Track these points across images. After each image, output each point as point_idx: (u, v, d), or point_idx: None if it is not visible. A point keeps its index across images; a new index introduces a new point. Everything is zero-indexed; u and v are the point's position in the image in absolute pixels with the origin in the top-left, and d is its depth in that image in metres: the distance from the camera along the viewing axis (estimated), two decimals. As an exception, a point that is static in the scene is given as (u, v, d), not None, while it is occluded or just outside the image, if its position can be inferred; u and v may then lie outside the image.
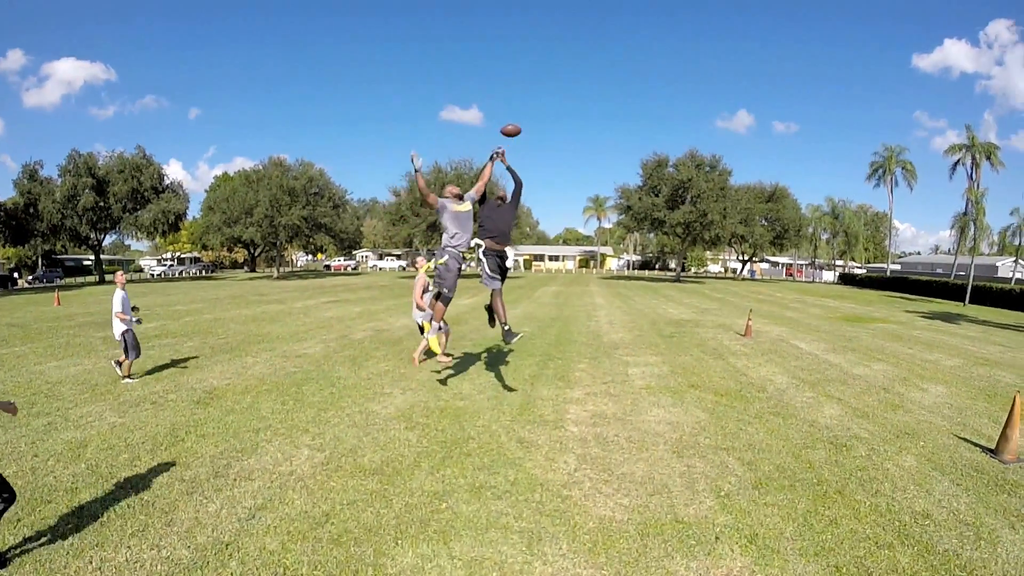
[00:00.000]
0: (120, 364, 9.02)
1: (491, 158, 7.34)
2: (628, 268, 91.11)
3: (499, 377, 9.09)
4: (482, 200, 7.69)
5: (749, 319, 15.66)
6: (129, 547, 4.02)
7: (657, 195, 52.89)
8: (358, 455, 5.77)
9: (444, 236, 7.36)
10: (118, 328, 8.82)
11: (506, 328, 7.45)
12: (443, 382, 8.87)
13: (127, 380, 8.85)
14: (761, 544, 4.20)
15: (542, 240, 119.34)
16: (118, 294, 8.89)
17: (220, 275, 61.60)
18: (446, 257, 7.20)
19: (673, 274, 63.98)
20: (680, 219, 50.50)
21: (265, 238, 51.57)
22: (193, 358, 10.82)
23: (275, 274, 54.66)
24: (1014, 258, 49.83)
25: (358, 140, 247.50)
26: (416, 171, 6.79)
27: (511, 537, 4.24)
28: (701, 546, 4.14)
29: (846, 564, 4.00)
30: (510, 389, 8.25)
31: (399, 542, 4.15)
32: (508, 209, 7.60)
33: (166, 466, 5.45)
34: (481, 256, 7.32)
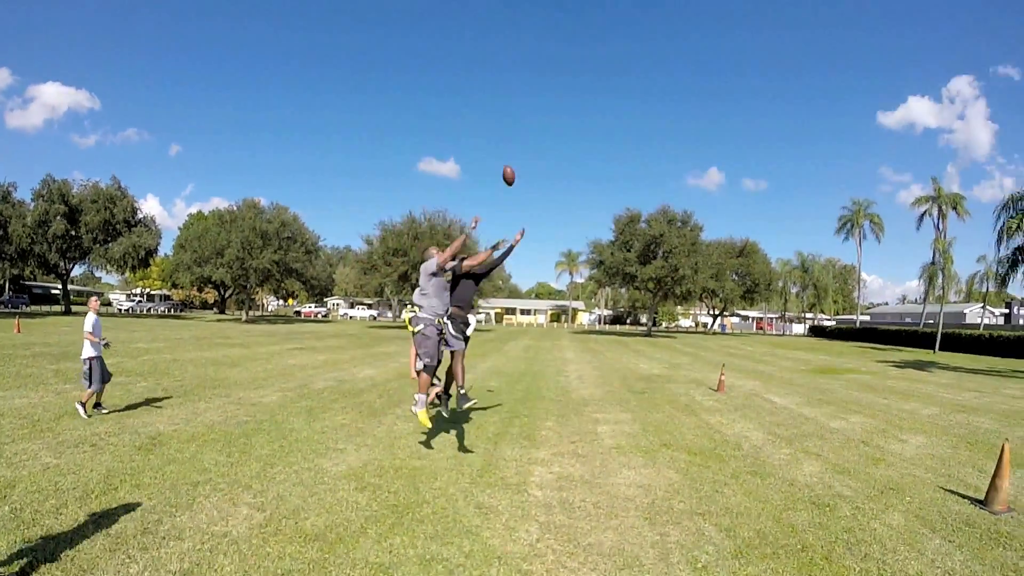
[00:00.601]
0: (83, 405, 8.74)
1: (499, 246, 8.07)
2: (599, 322, 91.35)
3: (460, 436, 8.60)
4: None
5: (722, 374, 15.42)
6: (36, 611, 3.50)
7: (629, 250, 53.63)
8: (300, 517, 5.24)
9: (421, 300, 7.32)
10: (86, 351, 8.63)
11: (462, 392, 7.50)
12: (401, 439, 8.37)
13: (80, 408, 8.63)
14: (744, 624, 3.78)
15: (514, 294, 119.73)
16: (90, 316, 8.76)
17: (189, 315, 60.23)
18: (422, 326, 7.15)
19: (644, 328, 64.24)
20: (652, 274, 51.08)
21: (235, 280, 50.88)
22: (144, 400, 10.26)
23: (244, 317, 53.70)
24: (982, 304, 51.09)
25: (334, 187, 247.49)
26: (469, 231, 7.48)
27: (462, 626, 3.76)
28: (677, 630, 3.71)
29: (840, 643, 3.61)
30: (467, 451, 7.73)
31: (333, 634, 3.65)
32: (472, 282, 7.99)
33: (94, 517, 4.93)
34: (446, 320, 7.45)
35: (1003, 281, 22.67)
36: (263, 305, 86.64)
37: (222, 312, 70.59)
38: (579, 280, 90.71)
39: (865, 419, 11.01)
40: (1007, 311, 57.93)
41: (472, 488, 6.31)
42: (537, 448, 8.21)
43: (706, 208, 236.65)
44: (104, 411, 8.81)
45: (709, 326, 77.39)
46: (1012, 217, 20.65)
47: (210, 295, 79.64)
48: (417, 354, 7.33)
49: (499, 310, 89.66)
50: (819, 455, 8.26)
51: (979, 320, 50.10)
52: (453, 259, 7.46)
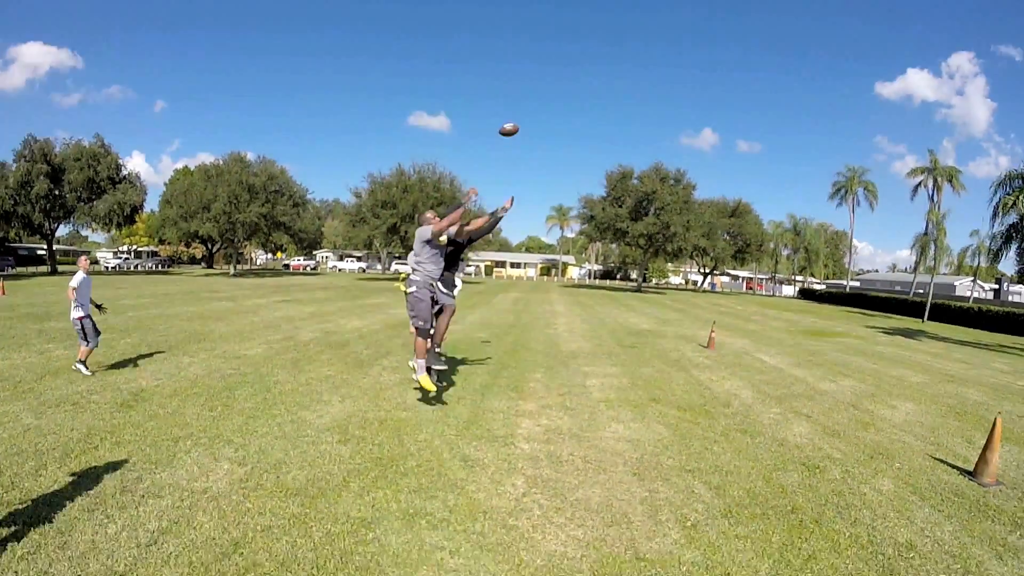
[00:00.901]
0: (84, 363, 8.56)
1: (494, 215, 8.10)
2: (589, 277, 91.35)
3: (447, 386, 8.50)
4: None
5: (712, 331, 15.38)
6: (15, 573, 3.41)
7: (621, 206, 53.22)
8: (282, 471, 5.12)
9: (414, 262, 7.21)
10: (74, 313, 8.47)
11: (437, 350, 7.52)
12: (386, 390, 8.25)
13: (80, 367, 8.46)
14: (734, 586, 3.71)
15: (504, 247, 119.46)
16: (78, 275, 8.56)
17: (176, 270, 59.55)
18: (414, 288, 7.04)
19: (634, 284, 64.32)
20: (643, 230, 50.90)
21: (222, 234, 50.38)
22: (129, 356, 9.99)
23: (232, 271, 53.21)
24: (972, 278, 51.39)
25: (324, 142, 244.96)
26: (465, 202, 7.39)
27: (444, 578, 3.67)
28: (666, 590, 3.63)
29: (829, 608, 3.55)
30: (430, 402, 7.60)
31: (312, 582, 3.55)
32: (459, 249, 8.07)
33: (73, 477, 4.77)
34: (437, 282, 7.46)
35: (996, 256, 22.74)
36: (252, 259, 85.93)
37: (210, 267, 69.74)
38: (570, 235, 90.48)
39: (855, 383, 10.99)
40: (997, 286, 58.26)
41: (458, 440, 6.21)
42: (525, 400, 8.12)
43: (699, 168, 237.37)
44: (87, 371, 8.53)
45: (699, 284, 77.60)
46: (1008, 194, 20.53)
47: (198, 250, 78.55)
48: (413, 317, 7.22)
49: (489, 263, 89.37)
50: (809, 416, 8.22)
51: (969, 293, 50.40)
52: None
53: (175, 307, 18.66)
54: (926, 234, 41.04)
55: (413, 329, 7.36)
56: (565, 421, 7.16)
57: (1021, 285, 62.64)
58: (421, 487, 4.93)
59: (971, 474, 6.09)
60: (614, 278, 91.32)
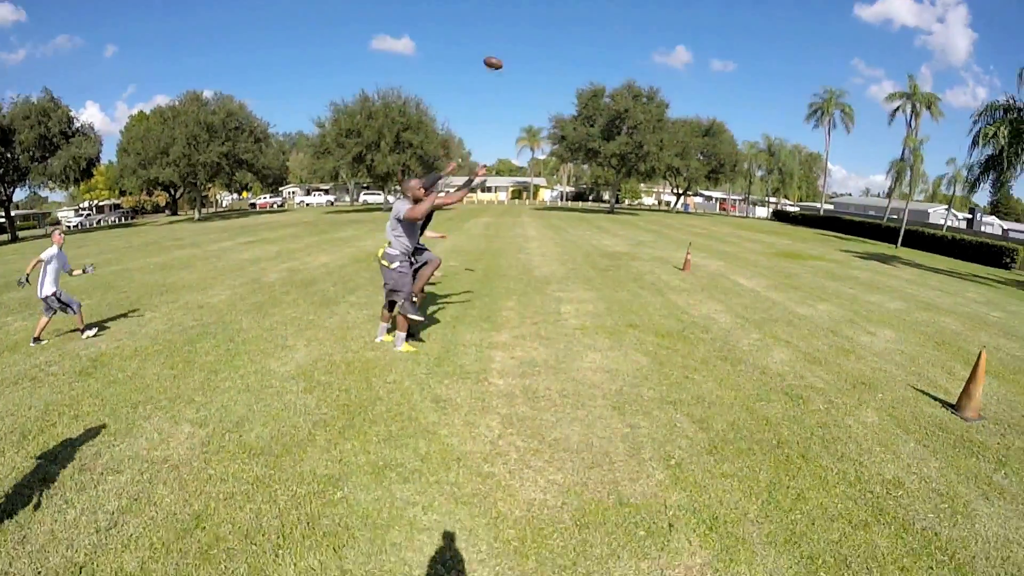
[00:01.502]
0: (82, 330, 8.08)
1: (468, 184, 7.72)
2: (561, 199, 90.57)
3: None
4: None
5: (688, 253, 15.17)
6: (-25, 576, 3.08)
7: (592, 125, 52.13)
8: (245, 430, 4.79)
9: (392, 235, 6.73)
10: (46, 289, 7.83)
11: (413, 300, 7.04)
12: (354, 329, 7.89)
13: (88, 333, 8.03)
14: (723, 531, 3.53)
15: (474, 171, 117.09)
16: (49, 250, 7.89)
17: (140, 221, 57.13)
18: (397, 263, 6.61)
19: (607, 206, 63.97)
20: (615, 150, 50.06)
21: (184, 178, 48.42)
22: (89, 319, 9.19)
23: (196, 216, 51.37)
24: (947, 207, 52.00)
25: (284, 72, 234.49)
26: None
27: (418, 538, 3.42)
28: (652, 538, 3.43)
29: (821, 553, 3.41)
30: (400, 338, 7.27)
31: (279, 553, 3.28)
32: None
33: (31, 462, 4.37)
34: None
35: (973, 186, 22.74)
36: (217, 201, 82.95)
37: (174, 213, 67.02)
38: (541, 156, 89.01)
39: (832, 307, 10.92)
40: (970, 216, 59.00)
41: (429, 379, 5.92)
42: (498, 331, 7.85)
43: (672, 87, 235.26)
44: (43, 342, 7.91)
45: (672, 205, 77.45)
46: (989, 124, 20.29)
47: (161, 197, 75.46)
48: (393, 292, 6.83)
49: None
50: (789, 342, 8.10)
51: (943, 221, 51.01)
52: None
53: (137, 260, 17.66)
54: (902, 160, 41.01)
55: (393, 314, 6.94)
56: (540, 352, 6.92)
57: (994, 216, 63.88)
58: (391, 435, 4.65)
59: (954, 407, 6.01)
60: (586, 200, 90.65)
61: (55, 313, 8.00)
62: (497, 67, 7.37)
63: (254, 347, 7.20)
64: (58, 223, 57.50)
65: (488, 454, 4.36)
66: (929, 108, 46.32)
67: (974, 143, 20.99)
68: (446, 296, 10.00)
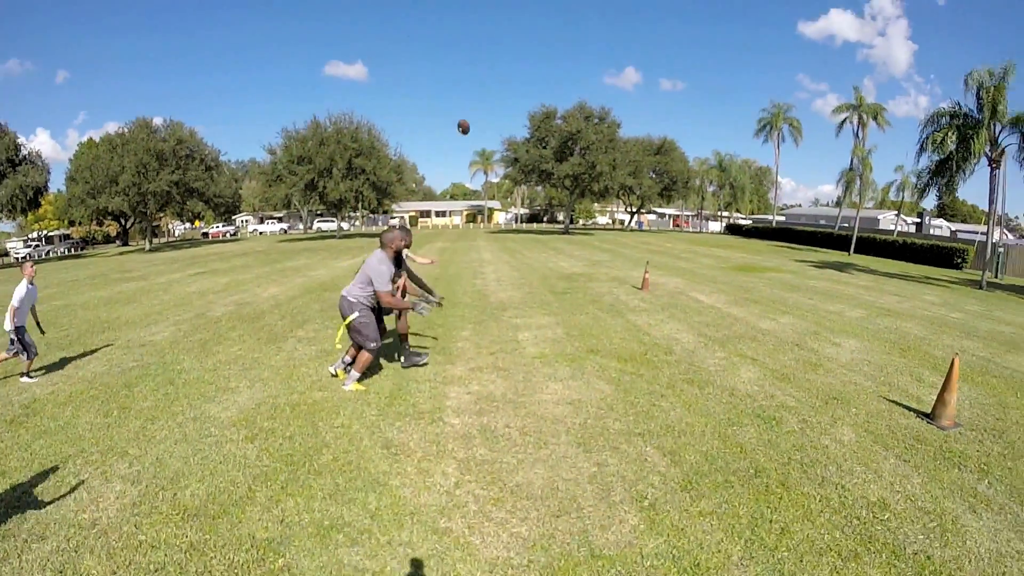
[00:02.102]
0: (27, 374, 7.54)
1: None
2: (516, 221, 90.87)
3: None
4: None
5: (646, 272, 15.05)
6: None
7: (545, 147, 52.44)
8: (180, 487, 4.32)
9: (358, 287, 6.54)
10: (8, 324, 7.37)
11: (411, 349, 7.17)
12: (301, 367, 7.45)
13: (25, 379, 7.43)
14: (706, 580, 3.23)
15: (428, 196, 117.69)
16: (22, 285, 7.49)
17: (91, 252, 55.15)
18: (356, 313, 6.41)
19: (562, 227, 64.30)
20: (568, 171, 50.44)
21: (134, 208, 46.98)
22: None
23: (147, 246, 49.85)
24: (896, 212, 53.66)
25: (236, 98, 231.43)
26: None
27: (360, 607, 3.03)
28: (629, 595, 3.11)
29: (813, 595, 3.12)
30: (352, 377, 6.85)
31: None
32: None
33: None
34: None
35: (923, 191, 23.36)
36: (169, 231, 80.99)
37: (125, 243, 65.17)
38: (494, 180, 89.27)
39: (795, 320, 10.88)
40: (919, 220, 61.01)
41: (380, 421, 5.52)
42: (453, 363, 7.49)
43: (623, 107, 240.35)
44: (34, 377, 7.54)
45: (627, 223, 78.31)
46: (937, 131, 20.98)
47: (112, 227, 73.38)
48: (359, 342, 6.56)
49: (413, 213, 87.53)
50: (755, 359, 7.94)
51: (893, 226, 52.63)
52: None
53: (82, 294, 16.72)
54: (851, 169, 42.14)
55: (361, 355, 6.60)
56: (498, 385, 6.57)
57: (941, 219, 66.29)
58: (338, 489, 4.24)
59: (929, 416, 5.89)
60: (541, 221, 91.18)
61: (14, 353, 7.52)
62: (466, 131, 8.16)
63: (195, 390, 6.69)
64: (6, 254, 55.24)
65: (444, 506, 3.98)
66: (875, 118, 47.84)
67: (921, 149, 21.66)
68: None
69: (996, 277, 23.77)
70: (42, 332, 8.21)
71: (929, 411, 5.96)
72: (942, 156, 20.91)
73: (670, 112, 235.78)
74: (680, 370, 7.32)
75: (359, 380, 6.58)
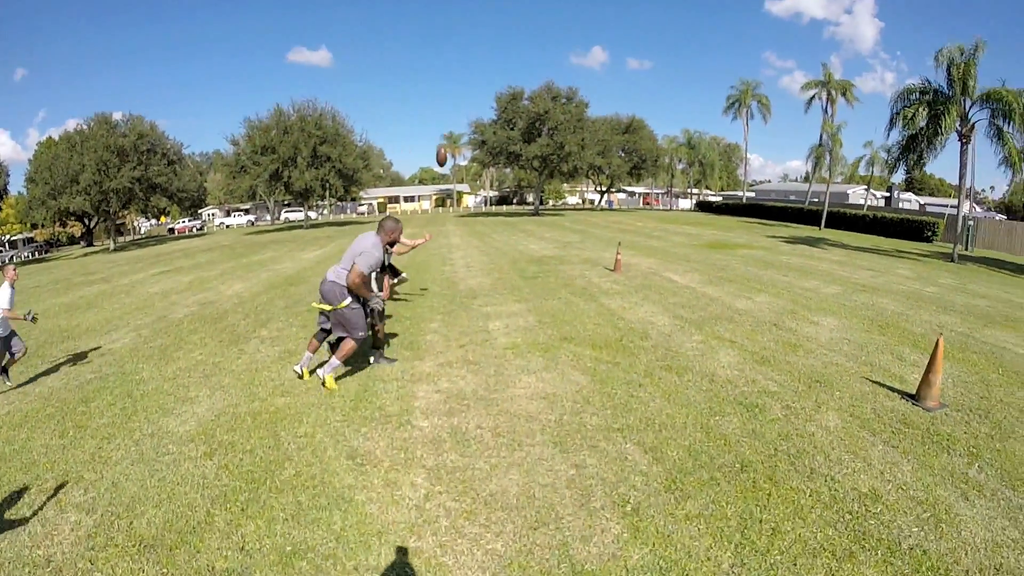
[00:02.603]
0: (6, 372, 7.48)
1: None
2: (486, 204, 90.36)
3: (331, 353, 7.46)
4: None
5: (618, 253, 14.84)
6: None
7: (513, 128, 52.35)
8: (136, 514, 3.99)
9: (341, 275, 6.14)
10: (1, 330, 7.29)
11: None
12: (263, 370, 7.08)
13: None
14: (696, 594, 3.02)
15: (397, 181, 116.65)
16: (5, 288, 7.29)
17: (55, 255, 53.34)
18: (349, 299, 6.08)
19: (531, 208, 64.12)
20: (537, 152, 50.43)
21: (96, 207, 45.58)
22: None
23: (111, 246, 48.37)
24: (866, 187, 54.40)
25: (200, 90, 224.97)
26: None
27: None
28: (614, 618, 2.89)
29: (810, 603, 2.93)
30: (331, 365, 6.53)
31: None
32: None
33: None
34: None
35: (894, 166, 23.62)
36: (134, 229, 78.85)
37: (90, 244, 63.13)
38: (463, 163, 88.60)
39: (770, 298, 10.77)
40: (888, 194, 61.88)
41: (345, 428, 5.21)
42: (421, 358, 7.20)
43: (591, 87, 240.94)
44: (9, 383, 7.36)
45: (596, 203, 78.31)
46: (908, 106, 21.13)
47: (76, 228, 71.15)
48: (346, 331, 6.20)
49: (381, 199, 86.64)
50: (733, 341, 7.79)
51: (862, 201, 53.31)
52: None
53: (43, 301, 15.85)
54: (821, 145, 42.43)
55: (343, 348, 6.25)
56: (468, 381, 6.30)
57: (910, 193, 67.36)
58: (300, 509, 3.94)
59: (913, 397, 5.78)
60: (511, 203, 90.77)
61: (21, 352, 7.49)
62: (442, 163, 7.51)
63: (153, 402, 6.29)
64: None
65: (414, 523, 3.70)
66: (844, 94, 48.34)
67: (892, 124, 21.83)
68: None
69: (967, 250, 24.13)
70: (33, 319, 7.89)
71: (914, 392, 5.84)
72: (913, 132, 21.06)
73: (638, 91, 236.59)
74: (657, 356, 7.13)
75: (334, 374, 6.30)
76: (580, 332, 8.30)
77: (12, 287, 7.36)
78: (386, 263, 7.35)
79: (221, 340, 8.85)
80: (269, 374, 6.93)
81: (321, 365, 6.46)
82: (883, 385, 6.15)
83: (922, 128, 20.82)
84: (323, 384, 6.24)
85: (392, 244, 6.55)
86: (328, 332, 6.42)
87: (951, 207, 32.79)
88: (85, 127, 45.97)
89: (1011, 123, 19.10)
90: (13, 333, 7.49)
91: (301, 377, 6.54)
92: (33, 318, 7.68)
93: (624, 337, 8.01)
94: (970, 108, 20.45)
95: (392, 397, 5.91)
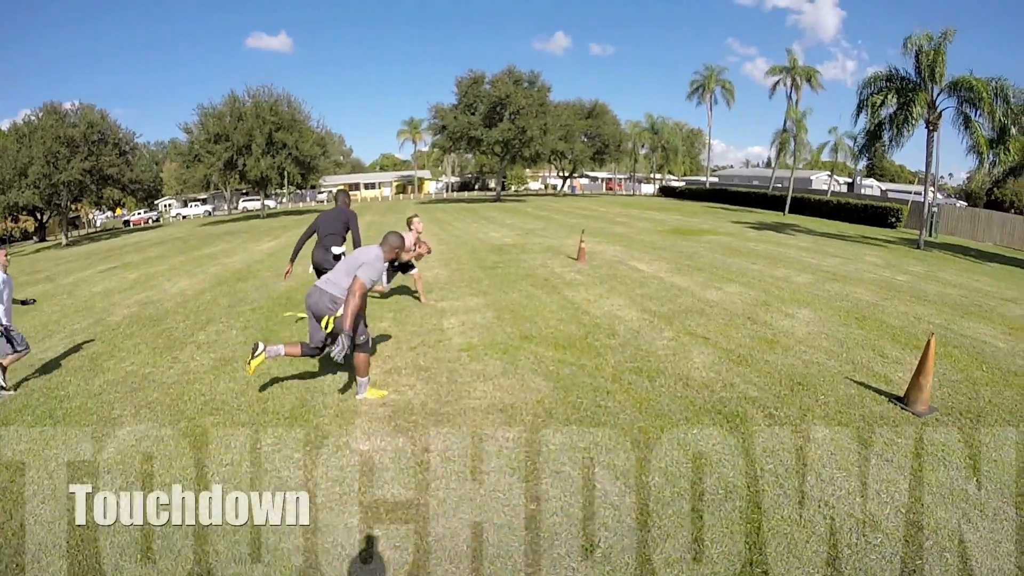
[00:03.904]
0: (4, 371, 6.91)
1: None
2: (447, 191, 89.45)
3: (278, 359, 6.77)
4: None
5: (582, 241, 14.34)
6: None
7: (473, 113, 51.89)
8: (41, 566, 3.35)
9: (336, 280, 5.45)
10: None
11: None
12: (195, 382, 6.37)
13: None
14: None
15: (357, 168, 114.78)
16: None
17: (8, 251, 51.08)
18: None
19: (493, 194, 63.69)
20: (498, 137, 50.15)
21: (47, 201, 43.70)
22: None
23: (63, 241, 46.34)
24: (829, 173, 55.10)
25: (154, 75, 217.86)
26: None
27: None
28: None
29: None
30: (362, 384, 5.84)
31: None
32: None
33: None
34: None
35: (861, 153, 23.71)
36: (89, 222, 75.96)
37: (43, 239, 60.60)
38: (424, 148, 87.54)
39: (742, 288, 10.39)
40: (851, 180, 62.79)
41: (275, 454, 4.55)
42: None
43: (554, 72, 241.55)
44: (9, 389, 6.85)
45: (559, 188, 78.06)
46: (876, 94, 21.12)
47: (29, 223, 68.16)
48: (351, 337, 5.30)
49: (342, 187, 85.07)
50: (706, 338, 7.34)
51: (826, 187, 54.00)
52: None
53: None
54: (785, 131, 42.58)
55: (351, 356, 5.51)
56: (418, 391, 5.68)
57: (872, 179, 68.51)
58: (219, 561, 3.31)
59: (902, 401, 5.38)
60: (472, 189, 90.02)
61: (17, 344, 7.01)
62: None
63: (72, 426, 5.42)
64: None
65: (343, 581, 3.12)
66: (809, 81, 48.57)
67: (859, 111, 21.81)
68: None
69: (931, 236, 24.31)
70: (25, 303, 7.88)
71: (902, 395, 5.45)
72: (881, 119, 21.11)
73: (601, 77, 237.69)
74: (626, 356, 6.64)
75: (370, 389, 5.67)
76: (542, 329, 7.78)
77: (5, 273, 7.18)
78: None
79: (156, 346, 8.04)
80: (200, 387, 6.20)
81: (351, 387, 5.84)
82: (869, 387, 5.74)
83: (891, 115, 20.83)
84: (365, 397, 5.60)
85: (394, 262, 5.83)
86: (321, 350, 5.57)
87: (913, 194, 33.18)
88: (34, 118, 44.19)
89: (979, 112, 19.16)
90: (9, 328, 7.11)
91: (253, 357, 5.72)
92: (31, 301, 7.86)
93: (589, 335, 7.51)
94: (938, 96, 20.49)
95: (332, 413, 5.26)
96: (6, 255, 7.30)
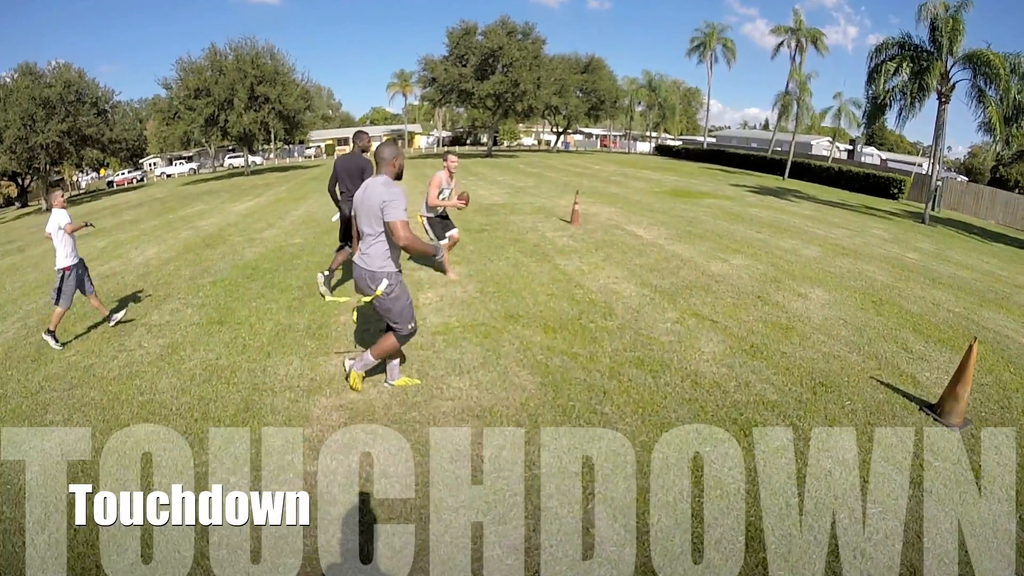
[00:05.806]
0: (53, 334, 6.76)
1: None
2: (438, 145, 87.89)
3: (230, 344, 5.98)
4: None
5: (576, 202, 13.46)
6: None
7: (465, 65, 50.41)
8: None
9: (373, 241, 4.59)
10: (65, 261, 6.95)
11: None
12: (138, 375, 5.56)
13: (47, 337, 6.70)
14: None
15: (346, 122, 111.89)
16: (58, 213, 6.97)
17: None
18: (385, 283, 4.48)
19: (485, 149, 62.61)
20: (490, 90, 48.81)
21: (25, 164, 42.39)
22: None
23: (43, 206, 44.92)
24: (831, 138, 54.24)
25: (141, 31, 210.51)
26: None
27: None
28: None
29: None
30: (394, 367, 5.03)
31: None
32: None
33: None
34: None
35: (871, 119, 23.08)
36: (74, 184, 73.86)
37: (25, 204, 58.79)
38: (414, 102, 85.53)
39: (748, 260, 9.66)
40: (851, 147, 61.92)
41: (207, 476, 3.74)
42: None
43: (549, 26, 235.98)
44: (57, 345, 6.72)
45: (552, 144, 76.75)
46: (889, 60, 20.46)
47: (12, 188, 66.22)
48: (395, 325, 4.65)
49: (330, 141, 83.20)
50: (715, 321, 6.62)
51: (826, 152, 53.19)
52: None
53: None
54: (788, 93, 41.46)
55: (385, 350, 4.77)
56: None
57: (872, 147, 67.66)
58: None
59: (934, 409, 4.69)
60: (464, 144, 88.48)
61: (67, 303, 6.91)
62: None
63: (7, 429, 4.69)
64: None
65: None
66: (815, 43, 47.46)
67: (871, 78, 21.11)
68: (274, 295, 7.81)
69: (934, 210, 23.76)
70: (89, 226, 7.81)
71: (934, 403, 4.77)
72: (891, 89, 20.48)
73: (598, 31, 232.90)
74: (625, 343, 5.91)
75: (363, 372, 4.90)
76: (530, 307, 7.03)
77: (64, 210, 7.10)
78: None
79: (104, 331, 7.17)
80: (141, 383, 5.35)
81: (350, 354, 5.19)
82: (897, 390, 5.05)
83: (904, 83, 20.10)
84: (346, 378, 4.92)
85: (400, 176, 4.78)
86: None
87: (917, 164, 32.57)
88: (9, 80, 42.50)
89: (995, 87, 18.48)
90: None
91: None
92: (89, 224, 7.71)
93: (584, 314, 6.78)
94: (952, 67, 19.78)
95: (280, 418, 4.46)
96: (62, 193, 7.35)
